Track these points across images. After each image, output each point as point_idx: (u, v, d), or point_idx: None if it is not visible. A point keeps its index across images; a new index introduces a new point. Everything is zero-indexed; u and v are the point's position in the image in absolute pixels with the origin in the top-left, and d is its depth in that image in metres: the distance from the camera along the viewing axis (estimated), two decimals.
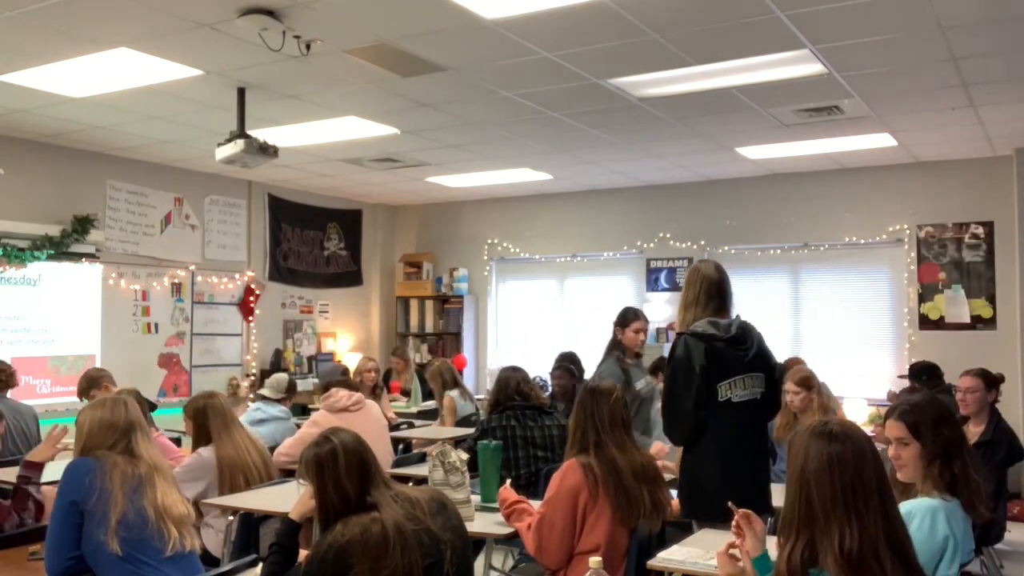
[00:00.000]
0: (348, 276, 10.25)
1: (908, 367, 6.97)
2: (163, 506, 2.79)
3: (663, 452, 4.42)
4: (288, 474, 4.23)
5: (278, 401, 5.86)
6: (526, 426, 4.52)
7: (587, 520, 3.15)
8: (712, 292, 3.57)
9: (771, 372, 3.62)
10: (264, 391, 5.95)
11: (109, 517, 2.68)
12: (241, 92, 5.52)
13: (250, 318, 8.92)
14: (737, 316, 3.62)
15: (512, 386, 4.65)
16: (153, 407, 6.01)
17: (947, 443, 2.48)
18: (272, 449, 4.71)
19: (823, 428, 2.03)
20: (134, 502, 2.74)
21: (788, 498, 2.02)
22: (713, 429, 3.44)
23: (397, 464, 4.99)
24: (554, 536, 3.15)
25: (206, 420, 4.10)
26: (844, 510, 1.90)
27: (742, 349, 3.50)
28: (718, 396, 3.43)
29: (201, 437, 4.12)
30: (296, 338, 9.46)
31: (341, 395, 5.05)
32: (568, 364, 6.97)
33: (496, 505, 3.53)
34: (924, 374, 6.41)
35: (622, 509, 3.13)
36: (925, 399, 2.66)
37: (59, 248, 7.09)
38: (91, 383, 5.34)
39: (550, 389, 7.10)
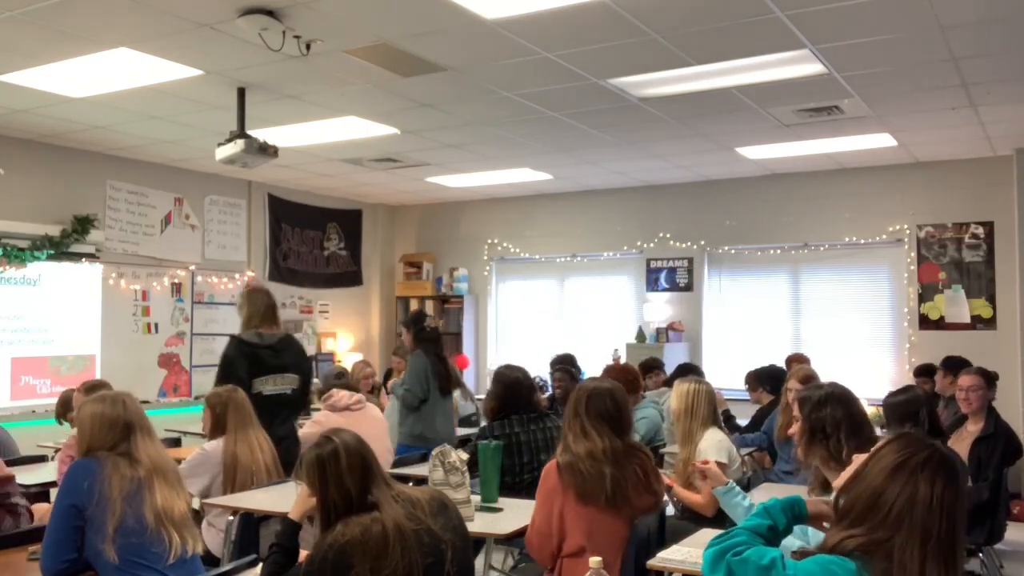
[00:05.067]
0: (348, 276, 10.25)
1: (913, 371, 6.97)
2: (163, 509, 2.77)
3: None
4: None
5: None
6: (529, 430, 4.51)
7: (564, 516, 3.14)
8: (269, 309, 4.85)
9: (305, 376, 4.95)
10: None
11: (106, 525, 2.67)
12: (241, 92, 5.52)
13: None
14: (283, 331, 4.94)
15: (520, 394, 4.60)
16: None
17: (826, 422, 2.71)
18: None
19: (945, 459, 1.75)
20: (132, 507, 2.73)
21: (880, 508, 1.73)
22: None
23: (397, 464, 5.02)
24: (537, 535, 3.19)
25: (226, 412, 4.11)
26: (934, 559, 1.68)
27: (276, 355, 4.76)
28: (252, 389, 4.56)
29: (217, 428, 4.13)
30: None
31: (342, 395, 5.11)
32: (568, 366, 6.97)
33: (496, 505, 3.53)
34: (930, 375, 6.43)
35: (577, 487, 3.11)
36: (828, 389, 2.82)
37: (59, 248, 7.09)
38: (66, 406, 5.11)
39: (550, 390, 7.11)
